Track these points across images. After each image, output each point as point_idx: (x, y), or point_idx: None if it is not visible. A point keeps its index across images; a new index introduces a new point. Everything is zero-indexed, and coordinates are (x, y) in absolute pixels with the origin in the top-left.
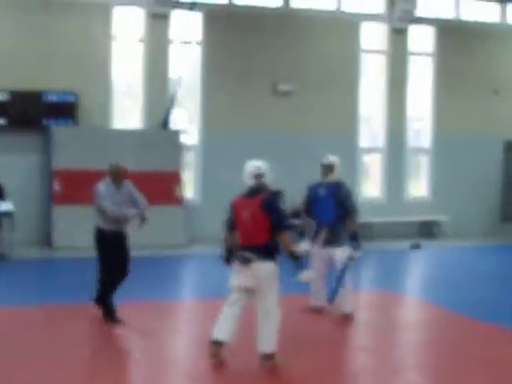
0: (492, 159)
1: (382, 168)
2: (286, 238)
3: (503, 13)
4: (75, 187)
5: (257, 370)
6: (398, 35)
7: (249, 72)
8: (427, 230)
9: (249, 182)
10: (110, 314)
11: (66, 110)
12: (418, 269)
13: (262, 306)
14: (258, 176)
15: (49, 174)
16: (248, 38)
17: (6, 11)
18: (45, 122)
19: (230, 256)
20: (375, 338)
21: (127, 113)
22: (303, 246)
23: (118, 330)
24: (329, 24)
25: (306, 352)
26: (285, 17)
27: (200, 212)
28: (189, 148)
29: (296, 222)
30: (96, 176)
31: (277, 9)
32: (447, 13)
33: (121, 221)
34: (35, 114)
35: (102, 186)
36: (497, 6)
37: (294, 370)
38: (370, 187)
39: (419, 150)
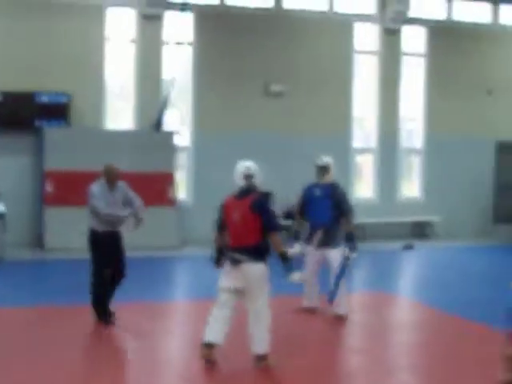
0: (485, 160)
1: (374, 169)
2: (276, 239)
3: (495, 13)
4: (68, 188)
5: (250, 371)
6: (391, 36)
7: (241, 73)
8: (420, 231)
9: (239, 182)
10: (103, 317)
11: (58, 111)
12: (411, 269)
13: (252, 307)
14: (249, 177)
15: (41, 176)
16: (240, 38)
17: None
18: (37, 123)
19: (220, 258)
20: (368, 338)
21: (120, 114)
22: (296, 248)
23: (111, 332)
24: (321, 25)
25: (299, 353)
26: (277, 17)
27: (192, 213)
28: (181, 149)
29: (288, 222)
30: (88, 177)
31: (269, 9)
32: (439, 13)
33: (114, 221)
34: (27, 115)
35: (96, 187)
36: (489, 7)
37: (287, 371)
38: (362, 188)
39: (412, 151)
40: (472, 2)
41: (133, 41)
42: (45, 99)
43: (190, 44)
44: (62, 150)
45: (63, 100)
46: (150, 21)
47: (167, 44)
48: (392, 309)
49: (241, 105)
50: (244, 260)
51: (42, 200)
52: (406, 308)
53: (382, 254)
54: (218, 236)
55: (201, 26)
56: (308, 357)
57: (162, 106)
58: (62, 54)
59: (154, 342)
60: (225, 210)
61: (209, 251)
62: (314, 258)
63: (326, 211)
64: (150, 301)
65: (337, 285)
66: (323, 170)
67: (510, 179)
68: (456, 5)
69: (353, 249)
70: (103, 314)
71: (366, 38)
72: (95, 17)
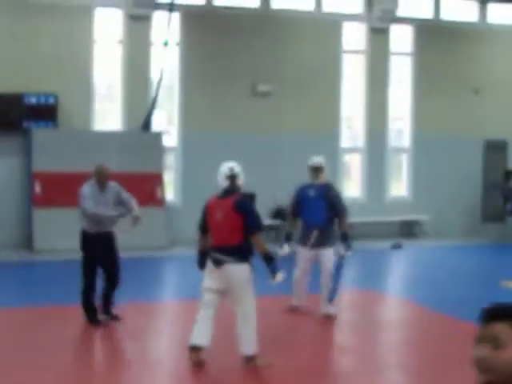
0: (472, 159)
1: (362, 168)
2: (259, 239)
3: (482, 12)
4: (56, 189)
5: (238, 371)
6: (378, 35)
7: (228, 73)
8: (408, 230)
9: (222, 183)
10: (92, 317)
11: (46, 113)
12: (400, 268)
13: (239, 309)
14: (232, 177)
15: (29, 177)
16: (227, 38)
17: None
18: (25, 124)
19: (203, 260)
20: (357, 337)
21: (108, 115)
22: (286, 249)
23: (101, 332)
24: (308, 24)
25: (288, 353)
26: (264, 17)
27: (180, 214)
28: (169, 150)
29: (277, 222)
30: (77, 178)
31: (256, 9)
32: (426, 12)
33: (103, 221)
34: (15, 116)
35: (86, 188)
36: (476, 6)
37: (276, 371)
38: (350, 187)
39: (400, 150)
40: (459, 1)
41: (120, 41)
42: (32, 100)
43: (176, 44)
44: (50, 151)
45: (51, 101)
46: (138, 21)
47: (155, 45)
48: (381, 307)
49: (228, 105)
50: (227, 260)
51: (31, 201)
52: (395, 306)
53: (370, 253)
54: (200, 237)
55: (187, 26)
56: (297, 356)
57: (150, 107)
58: (49, 55)
59: (144, 342)
60: (208, 210)
61: (196, 252)
62: (305, 257)
63: (321, 212)
64: (139, 301)
65: (335, 283)
66: (317, 170)
67: (497, 178)
68: (443, 4)
69: (348, 248)
70: (92, 314)
71: (354, 37)
72: (83, 17)
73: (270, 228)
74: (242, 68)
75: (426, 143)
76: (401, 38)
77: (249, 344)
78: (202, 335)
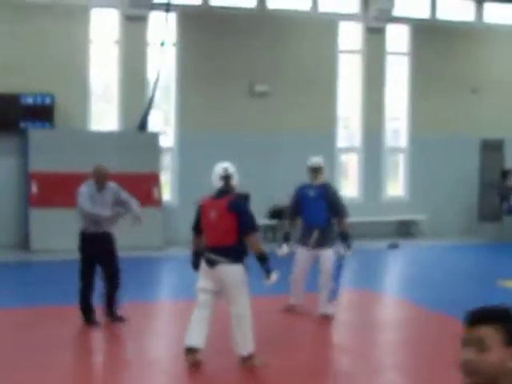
0: (469, 158)
1: (359, 168)
2: (253, 239)
3: (479, 11)
4: (53, 190)
5: (235, 371)
6: (375, 34)
7: (225, 73)
8: (405, 230)
9: (217, 184)
10: (88, 317)
11: (43, 113)
12: (397, 268)
13: (234, 310)
14: (226, 178)
15: (26, 177)
16: (224, 38)
17: None
18: (22, 124)
19: (197, 260)
20: (354, 337)
21: (104, 115)
22: (284, 249)
23: (98, 332)
24: (305, 24)
25: (285, 352)
26: (261, 17)
27: (177, 214)
28: (165, 150)
29: (274, 222)
30: (73, 178)
31: (252, 9)
32: (423, 12)
33: (100, 222)
34: (12, 116)
35: (84, 188)
36: (473, 5)
37: (273, 371)
38: (347, 187)
39: (396, 150)
40: (456, 1)
41: (117, 42)
42: (29, 101)
43: (173, 44)
44: (46, 152)
45: (47, 101)
46: (134, 22)
47: (151, 45)
48: (378, 307)
49: (225, 105)
50: (220, 261)
51: (27, 201)
52: (392, 306)
53: (367, 253)
54: (194, 238)
55: (184, 26)
56: (294, 356)
57: (147, 107)
58: (46, 55)
59: (141, 342)
60: (202, 210)
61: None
62: (305, 257)
63: (321, 212)
64: (135, 301)
65: (336, 283)
66: (316, 171)
67: (494, 177)
68: (440, 3)
69: (347, 247)
70: (90, 314)
71: (350, 37)
72: (79, 18)
73: (268, 228)
74: (239, 68)
75: (422, 143)
76: (397, 38)
77: (244, 344)
78: (196, 336)
